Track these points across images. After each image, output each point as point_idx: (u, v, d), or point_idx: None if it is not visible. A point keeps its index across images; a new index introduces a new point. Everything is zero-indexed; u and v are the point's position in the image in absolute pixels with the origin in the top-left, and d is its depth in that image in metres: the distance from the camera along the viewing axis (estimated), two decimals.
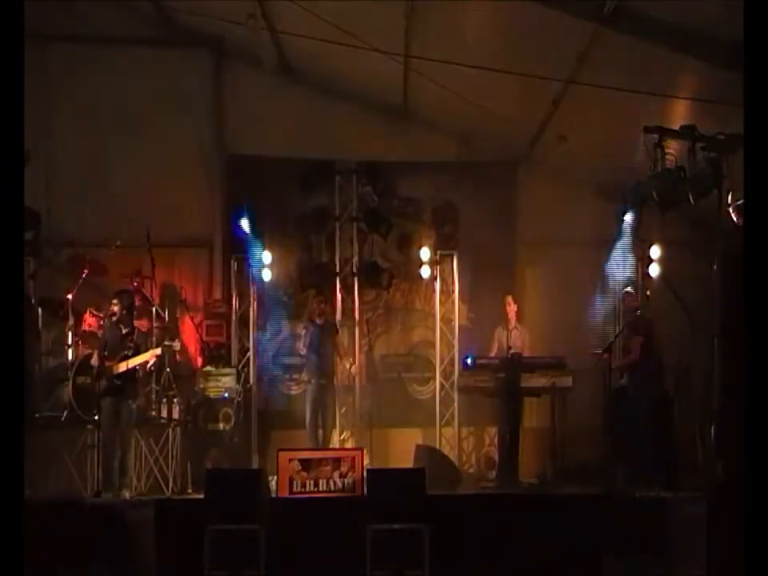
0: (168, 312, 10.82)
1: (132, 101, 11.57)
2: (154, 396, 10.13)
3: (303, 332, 10.77)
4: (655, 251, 11.00)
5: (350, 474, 8.99)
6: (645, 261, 11.12)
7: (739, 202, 6.80)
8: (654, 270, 11.04)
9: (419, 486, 8.27)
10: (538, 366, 10.32)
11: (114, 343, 9.31)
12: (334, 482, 8.99)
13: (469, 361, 10.44)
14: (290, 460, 9.02)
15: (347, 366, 11.24)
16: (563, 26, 8.16)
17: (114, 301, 9.45)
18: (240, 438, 10.41)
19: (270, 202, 11.27)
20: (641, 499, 8.65)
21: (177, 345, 9.84)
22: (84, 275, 10.52)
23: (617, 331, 10.62)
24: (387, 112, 11.82)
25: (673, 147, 7.36)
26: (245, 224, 10.99)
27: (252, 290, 11.14)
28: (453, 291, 11.45)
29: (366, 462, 9.38)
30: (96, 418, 9.20)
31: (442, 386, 11.25)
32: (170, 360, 10.30)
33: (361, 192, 11.52)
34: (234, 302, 11.22)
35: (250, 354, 11.08)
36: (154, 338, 9.89)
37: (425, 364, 11.62)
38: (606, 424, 9.54)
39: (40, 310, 10.69)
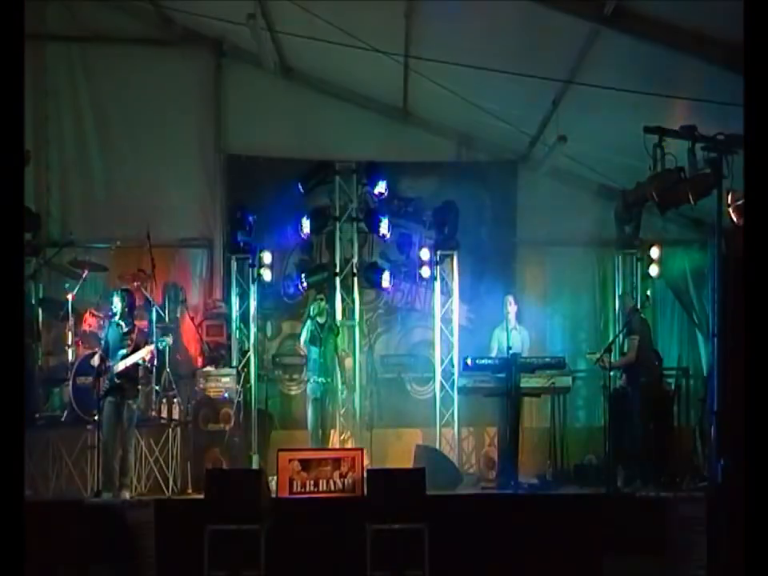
0: (168, 312, 10.83)
1: (132, 101, 11.59)
2: (153, 396, 10.14)
3: (303, 332, 10.76)
4: (655, 251, 11.00)
5: (349, 474, 8.99)
6: (645, 261, 11.12)
7: (739, 202, 6.79)
8: (654, 270, 11.03)
9: (419, 486, 8.26)
10: (537, 366, 10.33)
11: (114, 343, 9.31)
12: (334, 482, 8.99)
13: (469, 361, 10.44)
14: (290, 460, 9.02)
15: (347, 366, 11.23)
16: (563, 25, 8.15)
17: (115, 300, 9.46)
18: (240, 438, 10.40)
19: (270, 202, 11.27)
20: (641, 499, 8.65)
21: (169, 340, 9.81)
22: (84, 275, 10.54)
23: (616, 331, 10.62)
24: (387, 112, 11.83)
25: (673, 147, 7.36)
26: (245, 224, 10.99)
27: (252, 290, 11.14)
28: (453, 291, 11.45)
29: (366, 462, 9.38)
30: (96, 418, 9.20)
31: (441, 385, 11.24)
32: (170, 360, 10.32)
33: (361, 192, 11.53)
34: (234, 302, 11.22)
35: (250, 354, 11.07)
36: (155, 338, 9.89)
37: (425, 364, 11.60)
38: (605, 424, 9.54)
39: (40, 309, 10.72)
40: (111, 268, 10.92)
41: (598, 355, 9.69)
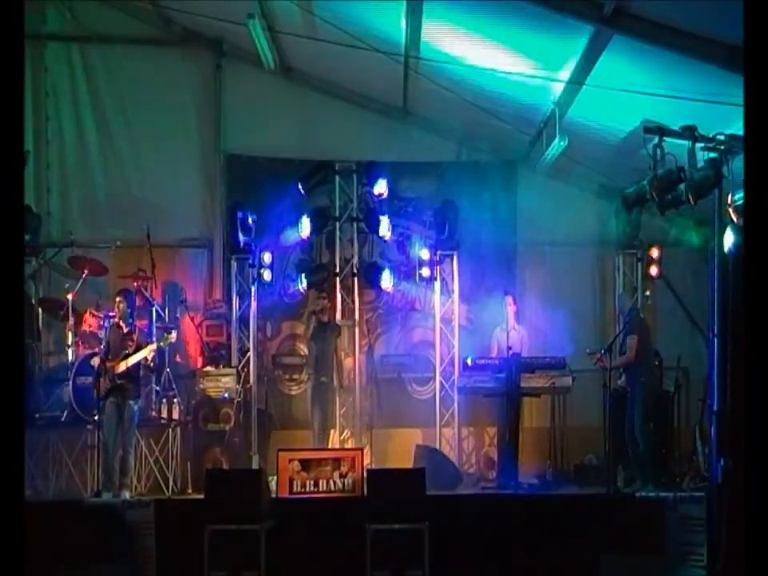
0: (168, 312, 10.83)
1: (132, 101, 11.60)
2: (154, 396, 10.14)
3: (304, 331, 10.75)
4: (655, 251, 10.99)
5: (349, 474, 8.99)
6: (645, 261, 11.11)
7: (739, 202, 6.80)
8: (654, 270, 11.03)
9: (419, 486, 8.27)
10: (537, 366, 10.32)
11: (115, 343, 9.32)
12: (334, 482, 8.99)
13: (469, 361, 10.44)
14: (290, 460, 9.02)
15: (347, 366, 11.23)
16: (563, 25, 8.14)
17: (116, 300, 9.46)
18: (240, 438, 10.40)
19: (270, 202, 11.26)
20: (641, 499, 8.65)
21: (173, 336, 9.77)
22: (84, 275, 10.55)
23: (616, 331, 10.61)
24: (387, 112, 11.83)
25: (673, 147, 7.36)
26: (245, 224, 10.99)
27: (252, 290, 11.14)
28: (453, 291, 11.45)
29: (366, 462, 9.38)
30: (96, 418, 9.20)
31: (441, 385, 11.24)
32: (170, 360, 10.31)
33: (361, 192, 11.52)
34: (234, 302, 11.22)
35: (250, 353, 11.07)
36: (155, 338, 9.89)
37: (425, 364, 11.60)
38: (605, 424, 9.54)
39: (40, 309, 10.72)
40: (111, 268, 10.93)
41: (597, 355, 9.68)
